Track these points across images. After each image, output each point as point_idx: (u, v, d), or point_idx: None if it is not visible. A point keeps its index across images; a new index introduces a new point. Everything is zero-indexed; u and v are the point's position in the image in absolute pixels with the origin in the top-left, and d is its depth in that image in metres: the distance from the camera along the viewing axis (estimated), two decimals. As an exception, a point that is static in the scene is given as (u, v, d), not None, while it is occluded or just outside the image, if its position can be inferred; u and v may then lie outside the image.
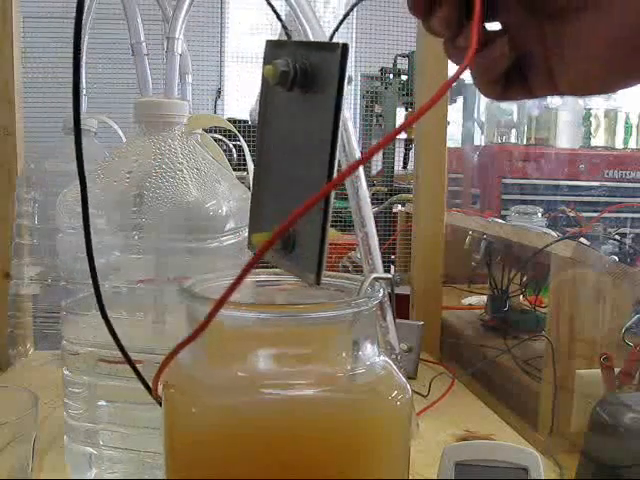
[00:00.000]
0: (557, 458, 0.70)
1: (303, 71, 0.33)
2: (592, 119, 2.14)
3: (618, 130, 2.14)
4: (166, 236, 0.55)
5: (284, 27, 0.39)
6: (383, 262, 0.71)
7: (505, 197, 1.76)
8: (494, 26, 0.37)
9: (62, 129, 0.92)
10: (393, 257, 1.50)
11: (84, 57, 0.89)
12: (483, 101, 2.31)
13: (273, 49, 0.36)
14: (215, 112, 3.32)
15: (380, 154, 2.37)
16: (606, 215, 1.51)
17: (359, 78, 2.74)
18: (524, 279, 1.09)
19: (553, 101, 2.00)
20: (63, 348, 0.58)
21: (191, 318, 0.37)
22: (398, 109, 2.47)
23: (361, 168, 0.69)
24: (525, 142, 2.02)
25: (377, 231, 0.70)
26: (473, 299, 1.29)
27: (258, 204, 0.39)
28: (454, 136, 2.34)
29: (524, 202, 1.53)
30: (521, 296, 1.11)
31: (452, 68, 0.38)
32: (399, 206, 1.86)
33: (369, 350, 0.37)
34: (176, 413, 0.37)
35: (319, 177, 0.32)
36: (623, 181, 1.84)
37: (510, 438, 0.73)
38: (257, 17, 3.46)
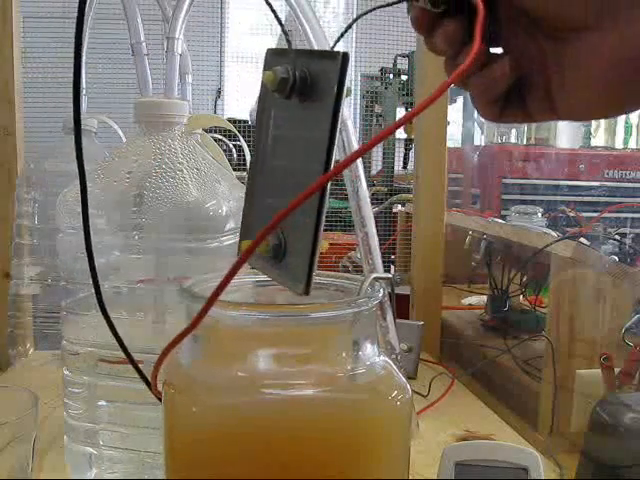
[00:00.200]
0: (557, 458, 0.70)
1: (302, 79, 0.33)
2: (592, 119, 2.13)
3: (618, 130, 2.14)
4: (166, 236, 0.55)
5: (284, 32, 0.39)
6: (383, 262, 0.71)
7: (505, 197, 1.76)
8: (496, 49, 0.37)
9: (62, 129, 0.92)
10: (393, 257, 1.50)
11: (84, 57, 0.89)
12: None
13: (274, 57, 0.36)
14: (215, 112, 3.32)
15: (380, 154, 2.37)
16: (606, 215, 1.51)
17: (359, 78, 2.74)
18: (524, 279, 1.09)
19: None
20: (63, 348, 0.58)
21: (191, 318, 0.37)
22: (398, 109, 2.46)
23: (361, 168, 0.69)
24: (525, 142, 2.02)
25: (377, 231, 0.70)
26: (473, 299, 1.29)
27: (250, 211, 0.39)
28: (454, 136, 2.34)
29: (524, 202, 1.53)
30: (521, 296, 1.12)
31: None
32: (399, 206, 1.86)
33: (369, 350, 0.37)
34: (176, 413, 0.37)
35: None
36: (623, 181, 1.83)
37: (510, 438, 0.73)
38: (257, 17, 3.46)
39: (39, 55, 2.50)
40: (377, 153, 2.42)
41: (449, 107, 1.04)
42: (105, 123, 0.95)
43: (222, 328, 0.36)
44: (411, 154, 2.44)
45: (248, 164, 0.75)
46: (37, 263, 0.91)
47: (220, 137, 0.86)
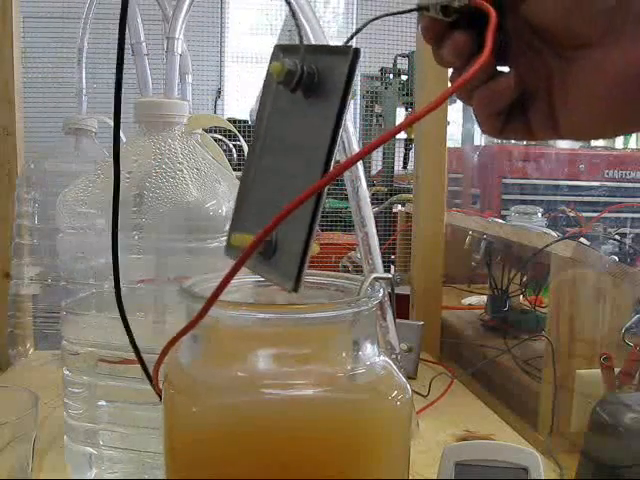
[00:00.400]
0: (557, 458, 0.70)
1: (310, 74, 0.33)
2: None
3: (618, 130, 2.13)
4: (166, 236, 0.55)
5: (297, 25, 0.39)
6: (383, 262, 0.71)
7: (505, 197, 1.76)
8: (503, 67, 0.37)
9: (62, 129, 0.92)
10: (393, 257, 1.50)
11: (84, 57, 0.90)
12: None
13: (282, 52, 0.36)
14: (215, 112, 3.32)
15: (380, 154, 2.37)
16: (606, 215, 1.51)
17: (359, 78, 2.74)
18: (524, 279, 1.09)
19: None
20: (63, 348, 0.58)
21: (191, 318, 0.37)
22: (398, 109, 2.47)
23: (361, 168, 0.69)
24: (525, 142, 2.02)
25: (377, 231, 0.70)
26: (473, 299, 1.29)
27: (243, 203, 0.38)
28: (454, 136, 2.34)
29: (524, 202, 1.53)
30: (521, 296, 1.11)
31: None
32: (399, 206, 1.86)
33: (369, 350, 0.37)
34: (176, 413, 0.37)
35: (310, 185, 0.31)
36: (623, 181, 1.83)
37: (510, 438, 0.73)
38: (257, 17, 3.46)
39: (39, 55, 2.50)
40: (377, 153, 2.43)
41: (449, 107, 1.04)
42: (105, 123, 0.95)
43: (222, 328, 0.36)
44: (411, 154, 2.45)
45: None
46: (37, 263, 0.91)
47: (220, 137, 0.87)
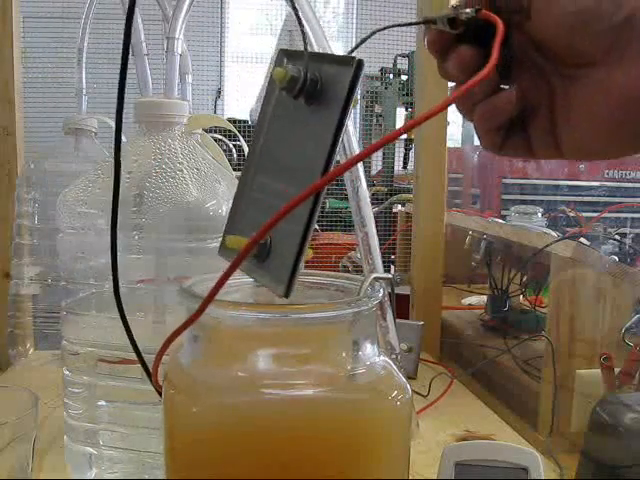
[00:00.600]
0: (557, 458, 0.70)
1: (313, 81, 0.33)
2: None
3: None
4: (166, 236, 0.55)
5: (302, 32, 0.39)
6: (383, 262, 0.71)
7: (505, 197, 1.76)
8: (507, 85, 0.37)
9: (62, 129, 0.92)
10: (393, 257, 1.50)
11: (84, 57, 0.90)
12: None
13: (286, 57, 0.36)
14: (215, 112, 3.32)
15: (380, 154, 2.37)
16: (606, 215, 1.51)
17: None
18: (524, 279, 1.09)
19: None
20: (63, 348, 0.58)
21: (191, 318, 0.37)
22: (398, 109, 2.47)
23: (361, 168, 0.69)
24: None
25: (377, 231, 0.70)
26: (473, 299, 1.29)
27: (240, 206, 0.38)
28: (454, 136, 2.34)
29: (524, 202, 1.53)
30: (521, 296, 1.11)
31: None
32: (399, 206, 1.86)
33: (369, 350, 0.37)
34: (176, 413, 0.37)
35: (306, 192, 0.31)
36: (623, 181, 1.83)
37: (510, 438, 0.73)
38: (257, 17, 3.46)
39: (39, 55, 2.50)
40: (377, 153, 2.42)
41: (449, 107, 1.04)
42: (105, 123, 0.95)
43: (222, 328, 0.36)
44: (411, 154, 2.44)
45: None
46: (37, 263, 0.91)
47: (220, 137, 0.87)
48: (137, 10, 0.62)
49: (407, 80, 2.45)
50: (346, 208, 1.94)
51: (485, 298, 1.20)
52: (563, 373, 0.80)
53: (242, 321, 0.35)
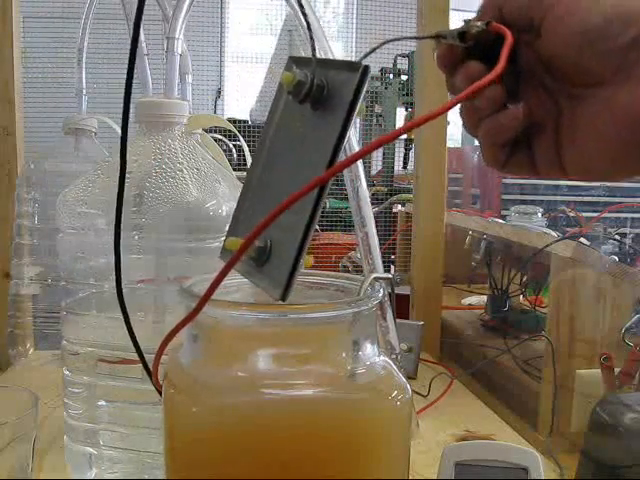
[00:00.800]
0: (557, 458, 0.70)
1: (319, 87, 0.33)
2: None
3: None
4: (166, 236, 0.55)
5: (311, 38, 0.39)
6: (383, 262, 0.71)
7: (505, 197, 1.76)
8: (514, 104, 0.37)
9: (62, 129, 0.92)
10: (393, 257, 1.50)
11: (84, 57, 0.90)
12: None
13: (294, 63, 0.36)
14: (215, 112, 3.32)
15: (380, 154, 2.37)
16: (606, 215, 1.51)
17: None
18: (524, 279, 1.09)
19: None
20: (63, 348, 0.58)
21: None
22: (398, 109, 2.47)
23: (361, 168, 0.69)
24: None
25: (377, 231, 0.70)
26: (473, 299, 1.29)
27: (242, 209, 0.39)
28: (454, 136, 2.34)
29: (524, 202, 1.53)
30: (521, 296, 1.11)
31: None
32: (399, 206, 1.86)
33: (369, 350, 0.37)
34: (176, 413, 0.37)
35: (309, 195, 0.32)
36: (623, 181, 1.83)
37: (510, 438, 0.73)
38: (257, 17, 3.46)
39: (39, 55, 2.50)
40: (377, 153, 2.43)
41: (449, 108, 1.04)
42: (105, 123, 0.95)
43: (222, 328, 0.36)
44: (411, 154, 2.44)
45: (249, 162, 0.75)
46: (37, 263, 0.91)
47: (220, 137, 0.86)
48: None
49: (407, 80, 2.45)
50: (346, 208, 1.94)
51: (485, 298, 1.20)
52: (563, 373, 0.80)
53: (242, 321, 0.35)
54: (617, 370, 0.74)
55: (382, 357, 0.38)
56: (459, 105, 0.38)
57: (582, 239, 0.87)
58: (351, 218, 0.69)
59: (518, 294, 1.11)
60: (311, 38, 0.39)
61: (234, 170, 0.76)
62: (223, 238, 0.55)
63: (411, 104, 2.35)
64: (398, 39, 0.39)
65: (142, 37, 0.61)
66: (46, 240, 0.89)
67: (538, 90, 0.36)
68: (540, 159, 0.37)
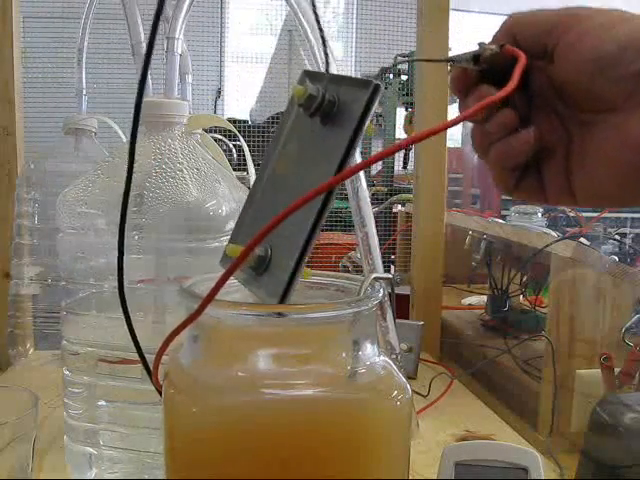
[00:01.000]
0: (557, 458, 0.70)
1: (330, 102, 0.34)
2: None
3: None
4: (166, 236, 0.55)
5: (325, 54, 0.40)
6: (383, 262, 0.71)
7: (505, 197, 1.76)
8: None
9: (62, 129, 0.92)
10: (393, 257, 1.50)
11: (84, 57, 0.90)
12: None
13: (307, 77, 0.37)
14: (215, 112, 3.32)
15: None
16: (606, 215, 1.51)
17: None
18: (524, 279, 1.09)
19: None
20: (63, 348, 0.58)
21: (191, 318, 0.37)
22: (398, 109, 2.47)
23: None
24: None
25: (377, 231, 0.70)
26: (473, 299, 1.29)
27: (245, 217, 0.39)
28: (454, 136, 2.34)
29: (524, 202, 1.53)
30: (521, 296, 1.11)
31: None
32: (399, 206, 1.86)
33: (369, 350, 0.37)
34: (176, 413, 0.37)
35: (311, 207, 0.32)
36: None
37: (510, 438, 0.73)
38: (257, 17, 3.46)
39: (39, 55, 2.49)
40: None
41: (449, 107, 1.04)
42: (105, 123, 0.95)
43: (222, 328, 0.36)
44: (411, 154, 2.44)
45: (251, 161, 0.75)
46: (37, 263, 0.91)
47: (220, 137, 0.86)
48: (137, 10, 0.62)
49: (407, 80, 2.45)
50: (346, 208, 1.94)
51: (485, 298, 1.20)
52: (563, 373, 0.80)
53: (242, 321, 0.35)
54: (617, 370, 0.74)
55: (382, 357, 0.38)
56: (470, 128, 0.38)
57: (582, 239, 0.87)
58: (351, 218, 0.69)
59: (518, 294, 1.11)
60: (326, 54, 0.40)
61: (234, 170, 0.76)
62: (223, 238, 0.56)
63: (411, 104, 2.35)
64: (411, 60, 0.40)
65: (142, 37, 0.61)
66: (46, 240, 0.89)
67: (550, 116, 0.36)
68: (550, 184, 0.37)
